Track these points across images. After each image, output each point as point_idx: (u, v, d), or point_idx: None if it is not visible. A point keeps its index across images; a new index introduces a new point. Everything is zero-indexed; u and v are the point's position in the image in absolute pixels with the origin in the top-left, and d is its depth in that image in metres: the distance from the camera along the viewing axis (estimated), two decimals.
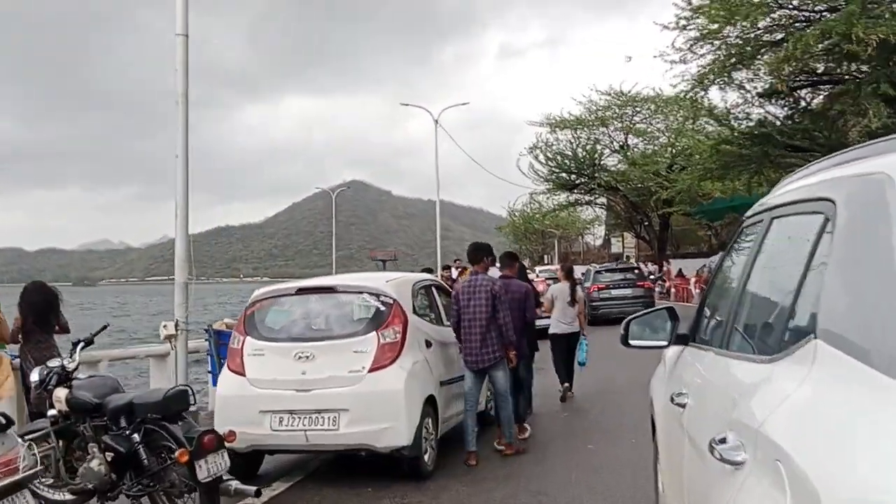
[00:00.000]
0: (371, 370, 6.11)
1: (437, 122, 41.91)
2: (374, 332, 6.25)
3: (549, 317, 10.50)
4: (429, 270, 14.72)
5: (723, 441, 1.86)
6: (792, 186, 2.44)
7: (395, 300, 6.43)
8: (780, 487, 1.45)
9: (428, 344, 6.75)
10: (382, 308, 6.39)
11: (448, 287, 8.45)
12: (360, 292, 6.67)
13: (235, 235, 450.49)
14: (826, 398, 1.52)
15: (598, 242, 63.22)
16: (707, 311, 3.31)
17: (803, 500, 1.32)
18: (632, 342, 3.57)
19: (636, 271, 26.24)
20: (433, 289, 7.74)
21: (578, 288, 10.75)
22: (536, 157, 45.02)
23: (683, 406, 2.74)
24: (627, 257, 44.67)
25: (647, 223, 45.64)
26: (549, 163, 44.86)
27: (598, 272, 25.53)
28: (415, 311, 6.73)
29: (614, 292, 23.41)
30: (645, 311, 3.85)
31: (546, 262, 59.20)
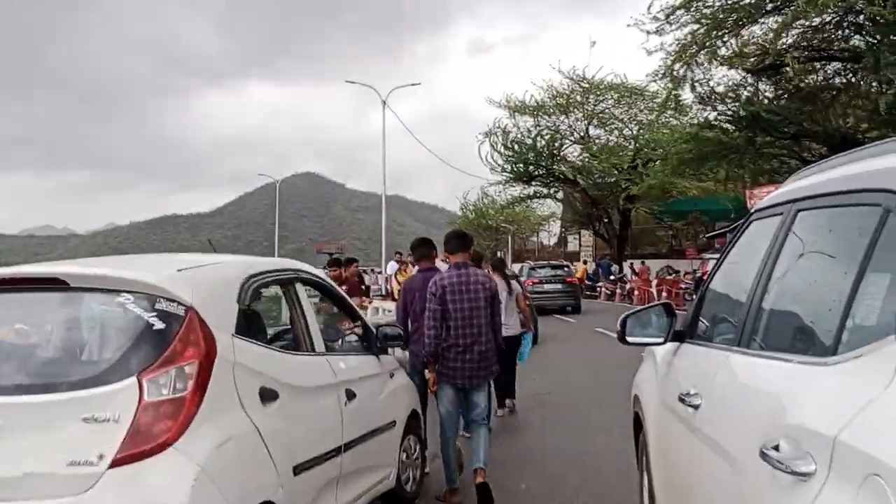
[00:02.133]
0: (117, 462, 2.82)
1: (384, 102, 38.60)
2: (133, 379, 2.94)
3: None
4: (336, 262, 11.18)
5: (776, 448, 1.76)
6: (824, 177, 2.30)
7: (188, 308, 3.13)
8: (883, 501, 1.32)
9: (267, 395, 3.45)
10: (160, 325, 3.07)
11: (332, 285, 5.03)
12: (117, 291, 3.15)
13: (183, 224, 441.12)
14: None
15: (554, 240, 60.09)
16: (709, 309, 3.28)
17: None
18: (629, 339, 3.46)
19: (565, 269, 29.05)
20: (296, 288, 4.28)
21: (514, 282, 9.67)
22: (494, 145, 41.91)
23: (696, 407, 2.64)
24: (585, 261, 41.66)
25: (606, 220, 42.82)
26: (507, 151, 41.75)
27: (531, 268, 28.51)
28: (239, 332, 3.38)
29: (546, 286, 25.98)
30: (641, 307, 3.70)
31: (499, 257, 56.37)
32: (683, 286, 27.27)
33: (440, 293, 5.59)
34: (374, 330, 5.22)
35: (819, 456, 1.59)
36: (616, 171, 38.92)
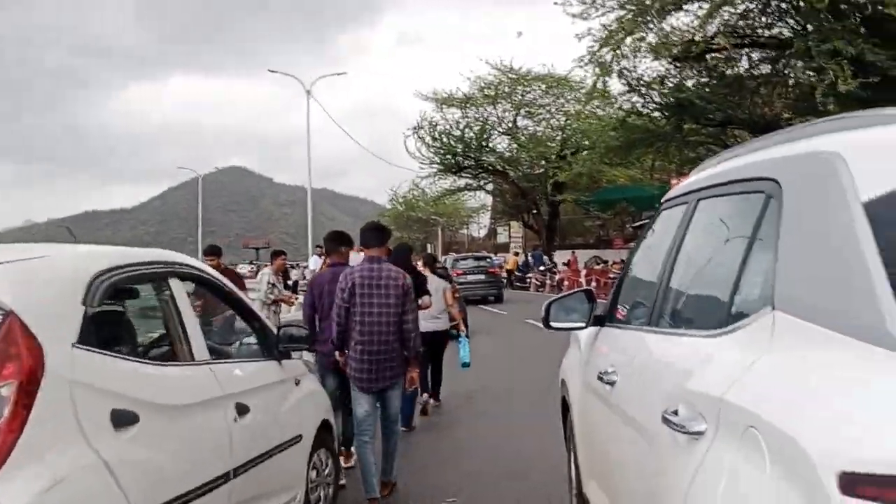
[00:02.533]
0: None
1: (308, 92, 37.60)
2: None
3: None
4: (213, 252, 9.76)
5: (674, 413, 1.93)
6: (719, 168, 2.52)
7: (6, 314, 2.41)
8: (757, 453, 1.49)
9: (123, 419, 2.73)
10: None
11: (218, 279, 4.30)
12: None
13: (104, 221, 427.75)
14: (798, 363, 1.59)
15: (484, 232, 59.95)
16: (625, 294, 3.47)
17: (789, 464, 1.36)
18: (553, 324, 3.63)
19: (488, 260, 30.86)
20: (170, 284, 3.48)
21: (436, 278, 9.04)
22: (422, 138, 41.32)
23: (612, 384, 2.81)
24: (517, 252, 41.44)
25: (535, 211, 42.73)
26: (435, 143, 41.22)
27: (455, 260, 30.08)
28: (84, 341, 2.64)
29: (470, 277, 27.02)
30: (564, 293, 4.12)
31: (429, 251, 55.79)
32: (612, 276, 27.31)
33: (349, 288, 5.30)
34: (277, 330, 4.56)
35: (709, 416, 1.79)
36: (544, 161, 38.85)
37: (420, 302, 7.15)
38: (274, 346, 4.44)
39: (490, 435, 7.67)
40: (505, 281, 38.99)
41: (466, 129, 40.80)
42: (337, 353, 5.57)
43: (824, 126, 1.96)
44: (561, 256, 38.77)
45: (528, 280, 35.95)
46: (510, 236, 48.05)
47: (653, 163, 22.39)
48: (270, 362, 4.40)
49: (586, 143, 37.26)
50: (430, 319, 8.44)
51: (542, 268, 36.08)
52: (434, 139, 40.91)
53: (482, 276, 27.87)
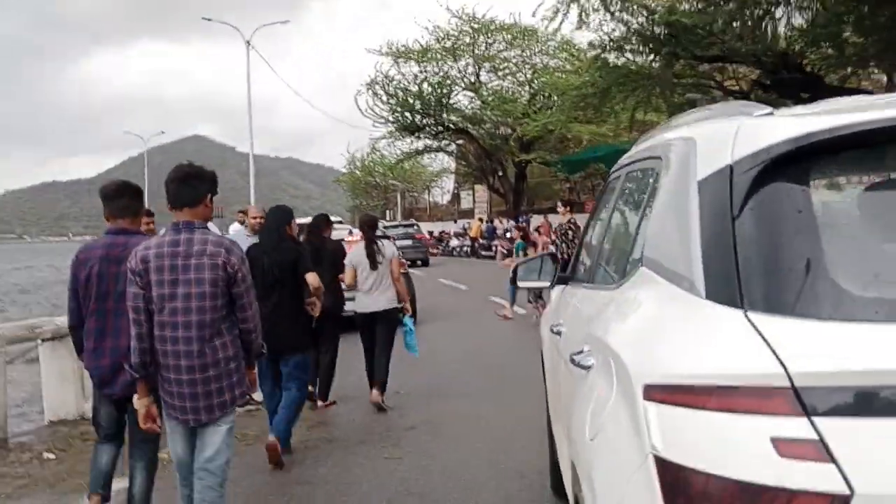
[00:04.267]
0: None
1: (248, 43, 33.90)
2: None
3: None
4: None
5: (580, 353, 2.34)
6: (638, 147, 2.98)
7: None
8: (609, 377, 1.93)
9: None
10: None
11: None
12: None
13: (63, 191, 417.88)
14: (642, 308, 2.03)
15: (448, 198, 56.56)
16: (580, 255, 3.94)
17: (623, 382, 1.77)
18: (520, 283, 4.40)
19: (414, 227, 34.31)
20: None
21: (385, 244, 7.80)
22: (376, 94, 37.75)
23: (560, 334, 3.27)
24: (480, 219, 38.21)
25: (501, 173, 39.54)
26: (391, 100, 37.65)
27: (385, 228, 29.96)
28: None
29: (398, 243, 30.81)
30: (530, 257, 4.93)
31: (389, 219, 52.28)
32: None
33: (140, 270, 3.71)
34: None
35: (596, 353, 2.20)
36: (510, 119, 35.58)
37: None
38: None
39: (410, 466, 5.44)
40: (469, 248, 36.13)
41: (424, 84, 37.29)
42: (132, 371, 3.78)
43: (705, 114, 2.34)
44: (532, 222, 35.82)
45: (494, 248, 32.83)
46: (474, 201, 44.85)
47: (633, 112, 19.19)
48: None
49: (555, 99, 34.30)
50: (370, 295, 7.47)
51: (508, 235, 33.06)
52: (389, 95, 37.39)
53: (409, 242, 29.90)
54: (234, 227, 16.08)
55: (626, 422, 1.69)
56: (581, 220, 28.24)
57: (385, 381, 7.39)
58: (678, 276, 1.80)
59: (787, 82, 14.92)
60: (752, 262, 1.62)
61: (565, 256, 11.78)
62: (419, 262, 29.74)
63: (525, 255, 13.24)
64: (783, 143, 1.70)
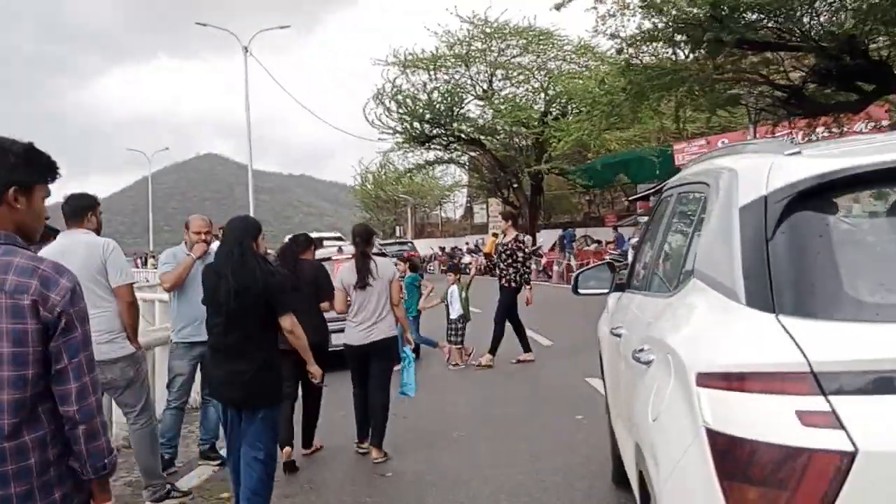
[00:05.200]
0: None
1: (246, 49, 32.14)
2: None
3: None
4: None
5: (641, 350, 2.75)
6: (688, 171, 3.46)
7: None
8: (668, 369, 2.31)
9: None
10: None
11: None
12: None
13: None
14: (694, 313, 2.42)
15: (460, 213, 54.38)
16: (636, 265, 4.32)
17: (679, 372, 2.17)
18: (580, 291, 4.65)
19: (408, 245, 35.12)
20: None
21: (383, 263, 6.49)
22: (384, 104, 35.86)
23: (620, 336, 3.64)
24: (495, 234, 36.01)
25: (516, 185, 37.45)
26: (399, 109, 35.73)
27: (381, 246, 34.98)
28: None
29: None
30: (590, 265, 5.51)
31: (399, 234, 50.24)
32: (608, 257, 22.30)
33: None
34: None
35: (655, 350, 2.59)
36: (524, 129, 33.54)
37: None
38: None
39: None
40: (483, 267, 34.03)
41: (434, 93, 35.37)
42: None
43: (744, 147, 2.76)
44: (548, 237, 33.67)
45: None
46: (488, 215, 42.76)
47: (676, 112, 17.09)
48: None
49: (574, 106, 32.29)
50: (364, 323, 6.29)
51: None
52: (398, 104, 35.49)
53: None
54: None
55: (682, 404, 2.11)
56: (601, 233, 26.08)
57: (383, 430, 6.23)
58: (724, 286, 2.20)
59: (848, 71, 12.82)
60: (782, 276, 2.05)
61: (510, 281, 10.09)
62: None
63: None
64: (808, 180, 2.14)
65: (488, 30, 34.31)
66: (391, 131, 36.36)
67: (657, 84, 15.73)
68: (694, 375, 2.03)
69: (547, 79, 34.56)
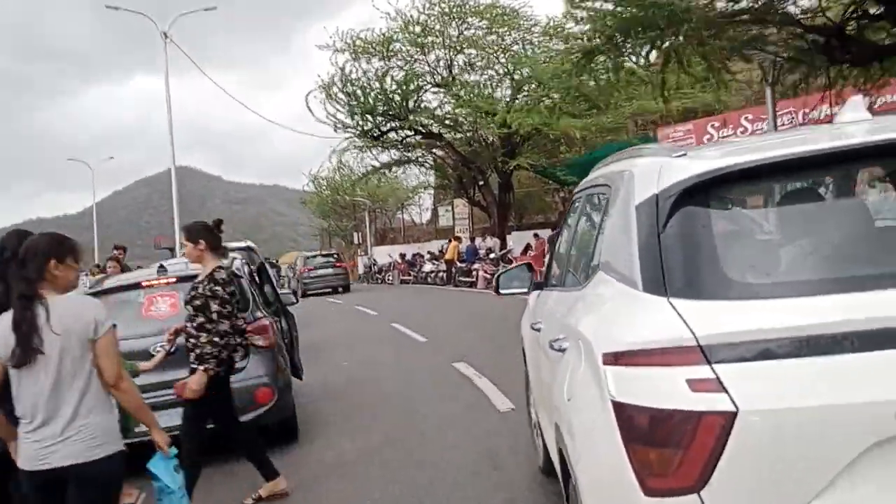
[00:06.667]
0: None
1: (166, 34, 27.76)
2: None
3: None
4: None
5: (557, 340, 3.07)
6: (593, 175, 3.70)
7: None
8: (579, 353, 2.60)
9: None
10: None
11: None
12: None
13: (49, 227, 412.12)
14: (600, 302, 2.69)
15: (427, 217, 50.08)
16: (552, 265, 4.68)
17: (587, 353, 2.47)
18: (502, 291, 4.93)
19: (335, 257, 35.58)
20: None
21: (67, 305, 3.36)
22: (332, 96, 31.69)
23: (539, 330, 3.96)
24: (458, 238, 31.90)
25: (482, 183, 33.38)
26: (351, 101, 31.56)
27: (307, 258, 35.73)
28: None
29: (320, 271, 33.28)
30: (509, 266, 5.96)
31: (357, 241, 46.01)
32: None
33: None
34: None
35: (569, 338, 2.87)
36: (488, 118, 29.48)
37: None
38: None
39: None
40: (444, 275, 30.01)
41: (387, 79, 31.25)
42: None
43: (642, 150, 2.97)
44: (519, 239, 29.67)
45: (475, 273, 26.61)
46: (454, 217, 38.63)
47: (662, 73, 13.17)
48: None
49: (544, 91, 28.51)
50: (36, 437, 3.33)
51: (492, 255, 26.95)
52: (347, 95, 31.36)
53: (330, 270, 33.21)
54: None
55: (592, 382, 2.38)
56: None
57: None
58: (624, 276, 2.47)
59: None
60: (673, 264, 2.30)
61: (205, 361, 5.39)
62: (340, 290, 32.56)
63: None
64: (690, 178, 2.41)
65: (446, 7, 30.35)
66: (341, 126, 32.21)
67: (640, 30, 11.76)
68: (600, 356, 2.33)
69: (511, 63, 30.63)
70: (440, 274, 30.55)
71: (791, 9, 11.44)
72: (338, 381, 9.81)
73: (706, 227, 2.33)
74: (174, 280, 6.78)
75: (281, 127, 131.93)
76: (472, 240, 31.10)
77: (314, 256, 35.59)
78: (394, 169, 38.22)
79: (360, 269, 43.00)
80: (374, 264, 39.88)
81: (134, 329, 6.38)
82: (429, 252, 34.70)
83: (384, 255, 40.11)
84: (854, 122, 2.71)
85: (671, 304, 2.20)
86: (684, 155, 2.55)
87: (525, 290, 4.81)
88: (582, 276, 3.23)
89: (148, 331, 6.48)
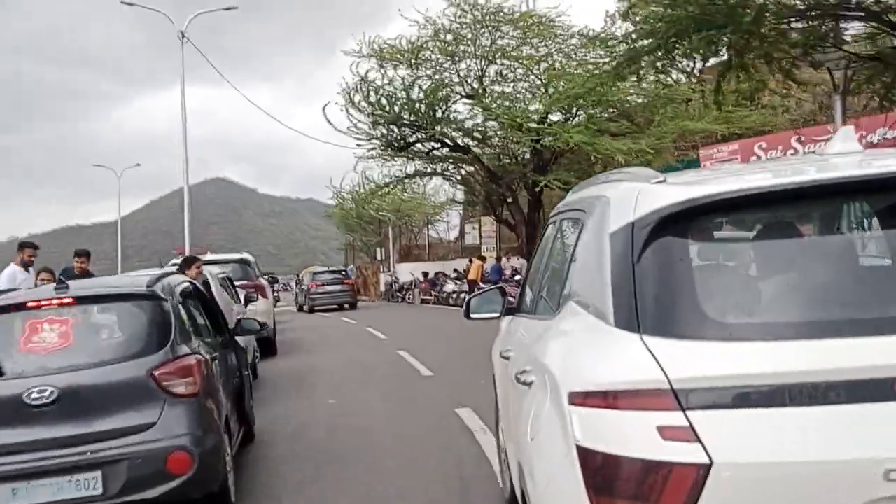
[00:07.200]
0: None
1: (183, 34, 26.58)
2: None
3: None
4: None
5: (523, 372, 2.91)
6: (569, 199, 3.54)
7: None
8: (545, 390, 2.44)
9: None
10: None
11: None
12: None
13: (86, 234, 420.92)
14: (568, 335, 2.56)
15: (455, 234, 48.31)
16: (525, 289, 4.38)
17: (553, 390, 2.32)
18: (472, 315, 4.60)
19: (343, 273, 36.39)
20: None
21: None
22: (353, 103, 30.19)
23: (509, 358, 3.81)
24: (483, 258, 30.13)
25: (510, 200, 31.59)
26: (375, 110, 30.03)
27: (315, 274, 35.88)
28: None
29: (328, 287, 33.64)
30: (482, 290, 5.17)
31: (380, 257, 44.47)
32: None
33: None
34: None
35: (535, 371, 2.70)
36: (520, 132, 27.78)
37: None
38: None
39: None
40: (466, 296, 28.33)
41: (415, 88, 29.67)
42: None
43: (617, 175, 2.82)
44: None
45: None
46: (481, 236, 36.85)
47: (718, 82, 11.42)
48: None
49: (580, 107, 26.84)
50: None
51: (517, 277, 25.21)
52: (370, 103, 29.84)
53: (338, 287, 33.31)
54: (9, 271, 10.42)
55: (557, 422, 2.22)
56: None
57: None
58: (596, 308, 2.30)
59: None
60: (647, 298, 2.12)
61: None
62: (346, 306, 32.64)
63: None
64: (669, 206, 2.23)
65: (478, 16, 28.76)
66: (364, 136, 30.69)
67: (690, 32, 10.01)
68: (566, 395, 2.18)
69: (546, 75, 28.93)
70: (462, 295, 28.80)
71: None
72: (315, 428, 8.10)
73: (683, 259, 2.24)
74: (70, 301, 5.12)
75: (315, 140, 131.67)
76: (498, 259, 29.32)
77: (322, 272, 36.12)
78: (418, 180, 36.59)
79: (382, 287, 41.40)
80: (396, 282, 38.28)
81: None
82: (455, 270, 33.00)
83: (407, 272, 38.52)
84: (844, 154, 2.52)
85: (644, 342, 2.10)
86: (664, 181, 2.47)
87: (497, 314, 4.60)
88: (554, 305, 3.17)
89: (21, 369, 4.85)
